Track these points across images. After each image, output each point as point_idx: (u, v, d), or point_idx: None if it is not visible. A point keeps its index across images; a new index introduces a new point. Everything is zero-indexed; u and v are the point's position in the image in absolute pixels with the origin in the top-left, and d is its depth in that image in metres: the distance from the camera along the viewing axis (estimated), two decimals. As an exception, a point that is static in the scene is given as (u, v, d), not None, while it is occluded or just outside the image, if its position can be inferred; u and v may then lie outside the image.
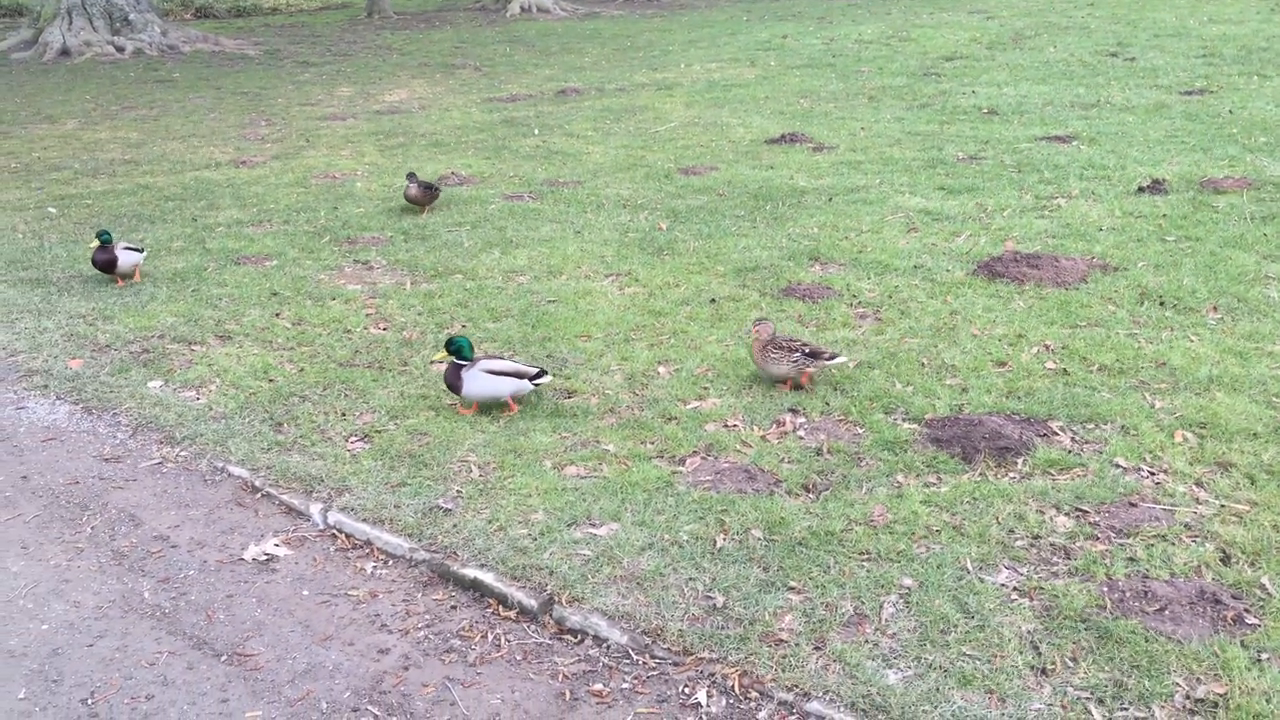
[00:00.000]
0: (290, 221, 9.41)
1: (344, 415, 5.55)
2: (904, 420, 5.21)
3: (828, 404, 5.43)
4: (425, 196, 9.37)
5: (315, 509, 4.69)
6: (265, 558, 4.43)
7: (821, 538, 4.25)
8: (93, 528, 4.70)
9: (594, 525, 4.43)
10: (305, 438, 5.32)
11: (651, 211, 9.17)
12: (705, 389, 5.67)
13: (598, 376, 5.89)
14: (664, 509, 4.52)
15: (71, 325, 7.01)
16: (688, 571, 4.10)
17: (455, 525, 4.48)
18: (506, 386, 5.40)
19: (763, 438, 5.13)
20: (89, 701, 3.61)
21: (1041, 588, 3.90)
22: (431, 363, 6.05)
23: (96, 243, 7.60)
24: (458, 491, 4.74)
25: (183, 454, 5.30)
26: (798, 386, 5.59)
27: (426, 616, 4.03)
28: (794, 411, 5.38)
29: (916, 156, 10.45)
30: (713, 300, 6.95)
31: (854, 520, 4.37)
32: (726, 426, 5.26)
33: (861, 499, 4.53)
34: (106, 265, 7.65)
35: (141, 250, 7.91)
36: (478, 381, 5.37)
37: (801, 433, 5.18)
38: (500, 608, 4.05)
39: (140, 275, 7.95)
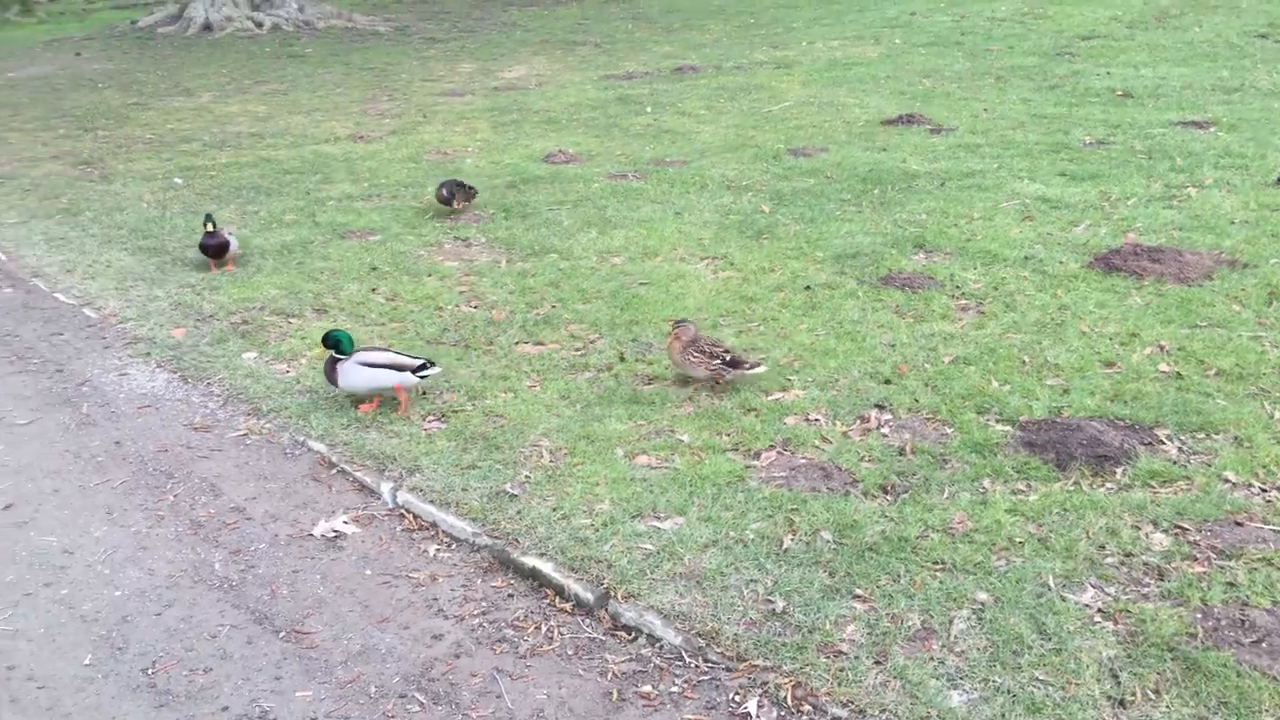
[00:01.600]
0: (398, 197, 9.52)
1: (425, 394, 5.56)
2: (997, 421, 4.95)
3: (917, 400, 5.19)
4: (463, 195, 8.74)
5: (386, 488, 4.71)
6: (333, 535, 4.46)
7: (894, 544, 4.05)
8: (175, 496, 4.80)
9: (659, 518, 4.32)
10: (385, 415, 5.35)
11: (755, 193, 8.96)
12: (790, 380, 5.49)
13: (681, 363, 5.75)
14: (733, 505, 4.38)
15: (180, 295, 7.22)
16: (750, 572, 3.96)
17: (520, 511, 4.43)
18: (383, 379, 5.30)
19: (844, 434, 4.94)
20: (149, 671, 3.68)
21: (1128, 610, 3.63)
22: (314, 355, 5.97)
23: (210, 226, 7.45)
24: (526, 476, 4.69)
25: (267, 426, 5.38)
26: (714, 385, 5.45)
27: (483, 604, 3.99)
28: (880, 407, 5.16)
29: (1040, 140, 9.96)
30: (807, 287, 6.74)
31: (931, 527, 4.16)
32: (808, 420, 5.08)
33: (942, 504, 4.31)
34: (218, 250, 7.51)
35: (235, 238, 7.79)
36: (352, 374, 5.29)
37: (886, 430, 4.96)
38: (557, 599, 3.98)
39: (233, 266, 7.80)
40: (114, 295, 7.31)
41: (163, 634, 3.88)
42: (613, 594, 3.90)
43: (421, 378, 5.32)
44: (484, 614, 3.94)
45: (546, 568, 4.06)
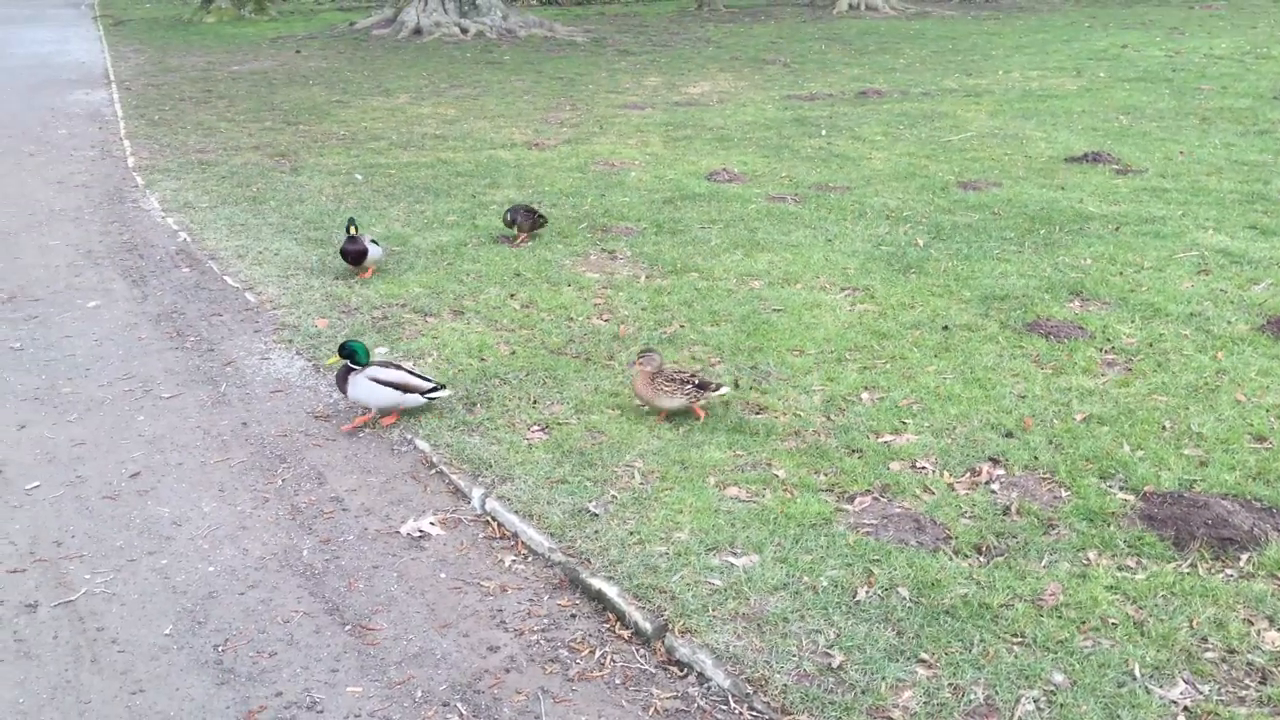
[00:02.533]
0: (557, 205, 9.68)
1: (535, 403, 5.61)
2: (1119, 489, 4.60)
3: (1036, 458, 4.89)
4: (527, 223, 8.38)
5: (476, 493, 4.77)
6: (419, 534, 4.55)
7: (974, 609, 3.82)
8: (283, 480, 5.01)
9: (734, 554, 4.21)
10: (491, 421, 5.43)
11: (913, 225, 8.68)
12: (904, 423, 5.27)
13: (795, 395, 5.62)
14: (813, 549, 4.23)
15: (333, 287, 7.55)
16: (815, 621, 3.81)
17: (598, 531, 4.41)
18: (389, 397, 5.32)
19: (949, 486, 4.69)
20: (219, 649, 3.84)
21: (1218, 714, 3.30)
22: (327, 364, 5.98)
23: (352, 230, 7.46)
24: (612, 497, 4.66)
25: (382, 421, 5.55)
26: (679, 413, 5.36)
27: (545, 620, 3.99)
28: (994, 461, 4.89)
29: (1235, 189, 9.26)
30: (945, 327, 6.46)
31: (1019, 595, 3.90)
32: (914, 467, 4.86)
33: (1037, 572, 4.03)
34: (357, 256, 7.49)
35: (379, 244, 7.73)
36: (361, 387, 5.32)
37: (995, 486, 4.69)
38: (617, 624, 3.94)
39: (372, 273, 7.70)
40: (275, 282, 7.71)
41: (240, 613, 4.04)
42: (671, 627, 3.82)
43: (429, 399, 5.39)
44: (543, 631, 3.93)
45: (611, 592, 4.02)
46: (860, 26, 24.46)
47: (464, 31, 24.00)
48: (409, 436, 5.36)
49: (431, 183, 10.65)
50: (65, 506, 4.80)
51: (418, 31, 24.12)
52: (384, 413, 5.50)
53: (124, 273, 8.16)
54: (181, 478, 5.05)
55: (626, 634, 3.88)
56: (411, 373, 5.43)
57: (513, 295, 7.29)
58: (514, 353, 6.28)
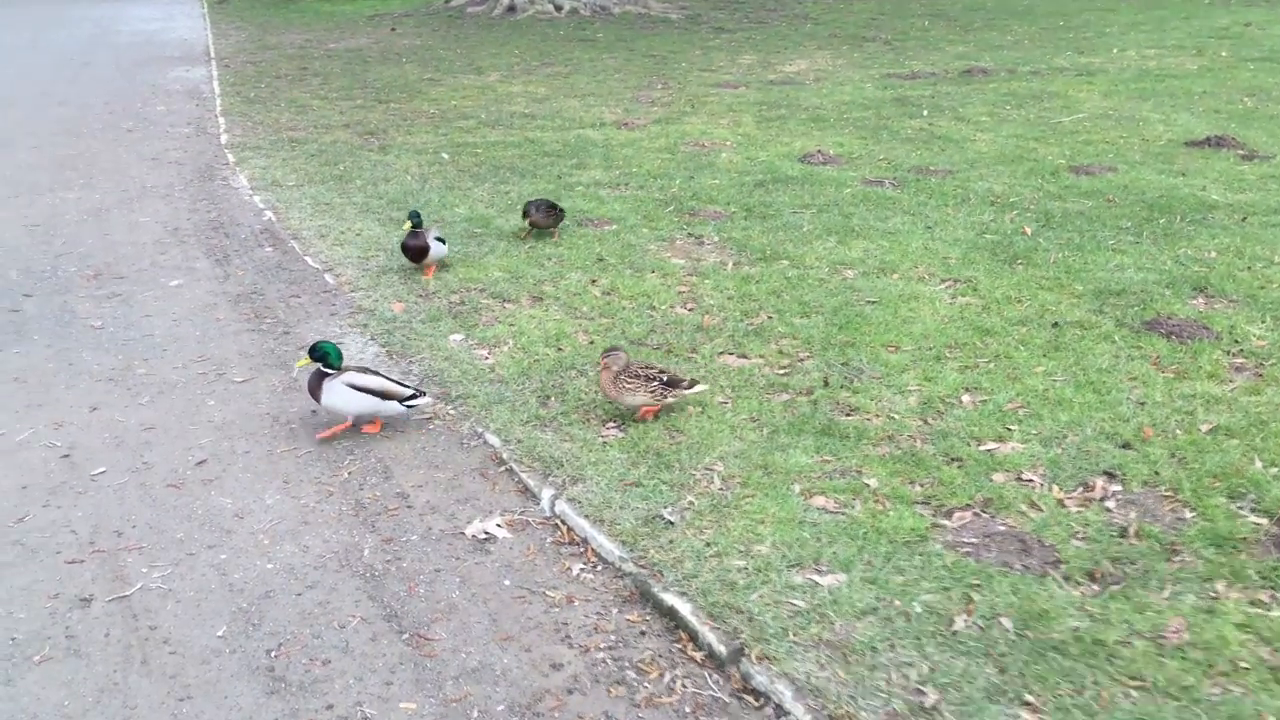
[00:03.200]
0: (644, 187, 9.39)
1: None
2: (1250, 511, 4.15)
3: (1156, 473, 4.45)
4: (546, 220, 7.84)
5: (546, 494, 4.52)
6: (484, 536, 4.32)
7: (1087, 646, 3.44)
8: (349, 474, 4.83)
9: (819, 571, 3.89)
10: (565, 415, 5.17)
11: (1021, 212, 8.17)
12: (1009, 430, 4.86)
13: (889, 396, 5.25)
14: (906, 569, 3.88)
15: (412, 269, 7.37)
16: (907, 652, 3.47)
17: (672, 541, 4.12)
18: (366, 405, 4.98)
19: (1059, 502, 4.29)
20: (272, 654, 3.66)
21: (1374, 787, 2.88)
22: (297, 366, 5.42)
23: (409, 225, 6.99)
24: (689, 503, 4.37)
25: (452, 412, 5.34)
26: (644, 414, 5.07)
27: (613, 637, 3.72)
28: (1110, 475, 4.46)
29: (1378, 176, 8.53)
30: (1055, 324, 6.00)
31: (1138, 631, 3.50)
32: (1019, 480, 4.47)
33: (1158, 605, 3.63)
34: (418, 253, 7.02)
35: (445, 242, 7.27)
36: (336, 393, 4.97)
37: (1111, 504, 4.27)
38: (690, 645, 3.65)
39: (434, 271, 7.22)
40: (354, 264, 7.57)
41: (296, 616, 3.86)
42: (747, 651, 3.52)
43: (409, 408, 5.07)
44: (610, 649, 3.66)
45: (685, 609, 3.73)
46: (966, 2, 23.59)
47: (558, 9, 23.79)
48: (479, 430, 5.13)
49: (518, 163, 10.44)
50: (129, 494, 4.68)
51: (512, 9, 23.99)
52: (362, 421, 5.15)
53: (208, 251, 8.11)
54: (247, 467, 4.90)
55: (699, 656, 3.59)
56: (390, 379, 5.10)
57: (594, 281, 7.02)
58: (592, 342, 6.01)
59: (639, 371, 4.93)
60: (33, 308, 6.99)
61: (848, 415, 5.08)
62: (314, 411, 5.35)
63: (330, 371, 5.03)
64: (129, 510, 4.56)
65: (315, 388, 5.03)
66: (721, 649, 3.54)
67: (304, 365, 5.11)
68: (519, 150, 11.02)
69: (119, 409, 5.49)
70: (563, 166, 10.23)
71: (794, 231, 7.94)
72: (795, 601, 3.72)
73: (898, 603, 3.70)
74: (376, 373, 5.11)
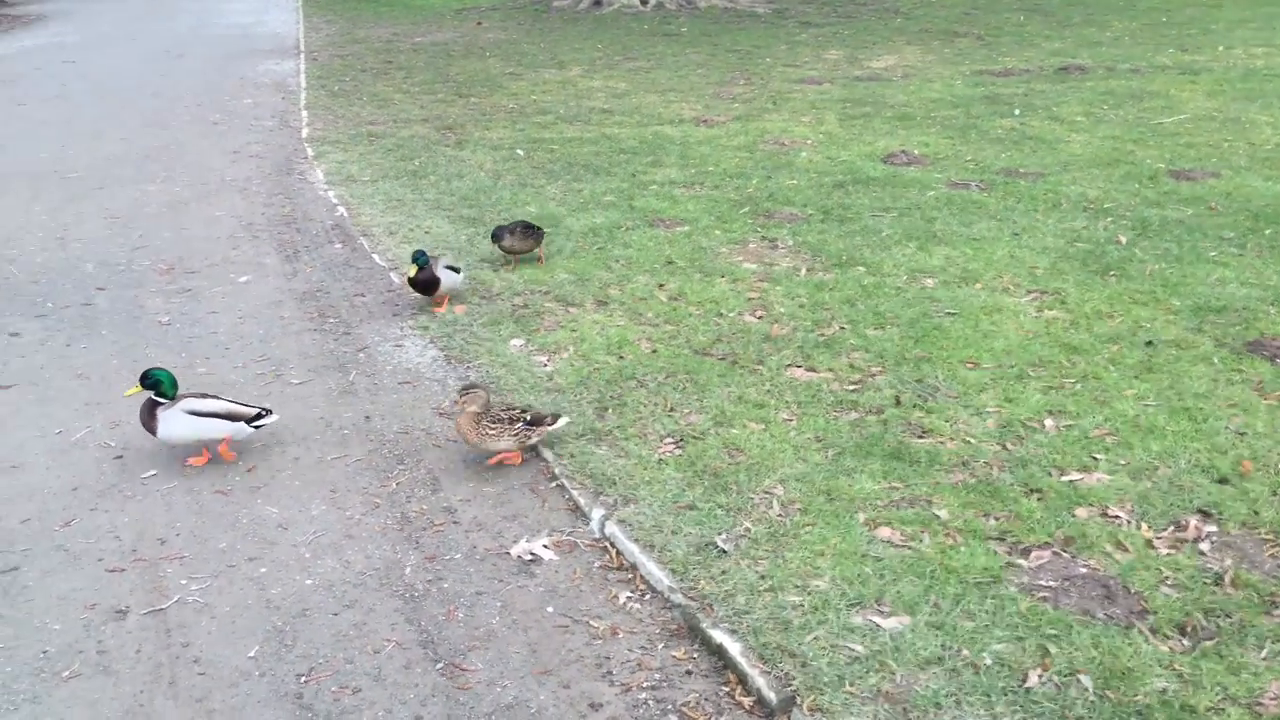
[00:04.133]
0: (719, 187, 9.14)
1: (671, 411, 5.12)
2: (1366, 562, 3.76)
3: (1256, 513, 4.08)
4: (524, 244, 7.10)
5: (597, 514, 4.32)
6: (530, 558, 4.13)
7: (1175, 711, 3.12)
8: (397, 484, 4.69)
9: (881, 612, 3.62)
10: (622, 429, 4.96)
11: (1115, 219, 7.73)
12: (1095, 459, 4.52)
13: (965, 417, 4.93)
14: (976, 613, 3.59)
15: (477, 269, 7.24)
16: (974, 709, 3.19)
17: (725, 572, 3.88)
18: (212, 429, 4.71)
19: (1148, 542, 3.95)
20: (302, 679, 3.52)
21: None
22: (126, 395, 5.08)
23: (414, 268, 6.27)
24: (745, 530, 4.13)
25: (506, 423, 5.16)
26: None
27: (656, 675, 3.50)
28: (1205, 514, 4.11)
29: None
30: (1149, 343, 5.61)
31: (1232, 696, 3.17)
32: (1105, 516, 4.13)
33: (1254, 665, 3.29)
34: (427, 286, 6.35)
35: (459, 271, 6.60)
36: (175, 423, 4.68)
37: (1205, 546, 3.92)
38: (738, 689, 3.41)
39: (450, 303, 6.60)
40: (420, 263, 7.44)
41: (331, 638, 3.72)
42: (799, 701, 3.27)
43: (256, 428, 4.82)
44: (653, 689, 3.44)
45: (734, 649, 3.50)
46: (1065, -4, 22.75)
47: (643, 3, 23.56)
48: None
49: (593, 160, 10.26)
50: (176, 500, 4.61)
51: (597, 3, 23.83)
52: (211, 446, 4.88)
53: (279, 247, 8.09)
54: (296, 474, 4.80)
55: (748, 703, 3.35)
56: (231, 400, 4.87)
57: (661, 285, 6.80)
58: (655, 351, 5.80)
59: (500, 414, 4.60)
60: (104, 301, 7.01)
61: (920, 437, 4.79)
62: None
63: (163, 401, 4.74)
64: (175, 517, 4.48)
65: (148, 419, 4.71)
66: (772, 696, 3.30)
67: (134, 394, 4.81)
68: (595, 147, 10.83)
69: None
70: (638, 164, 10.02)
71: (872, 236, 7.62)
72: (853, 646, 3.46)
73: (966, 652, 3.41)
74: (216, 396, 4.88)
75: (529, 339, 6.06)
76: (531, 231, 7.10)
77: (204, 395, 4.87)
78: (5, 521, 4.46)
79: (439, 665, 3.58)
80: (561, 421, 4.77)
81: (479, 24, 22.19)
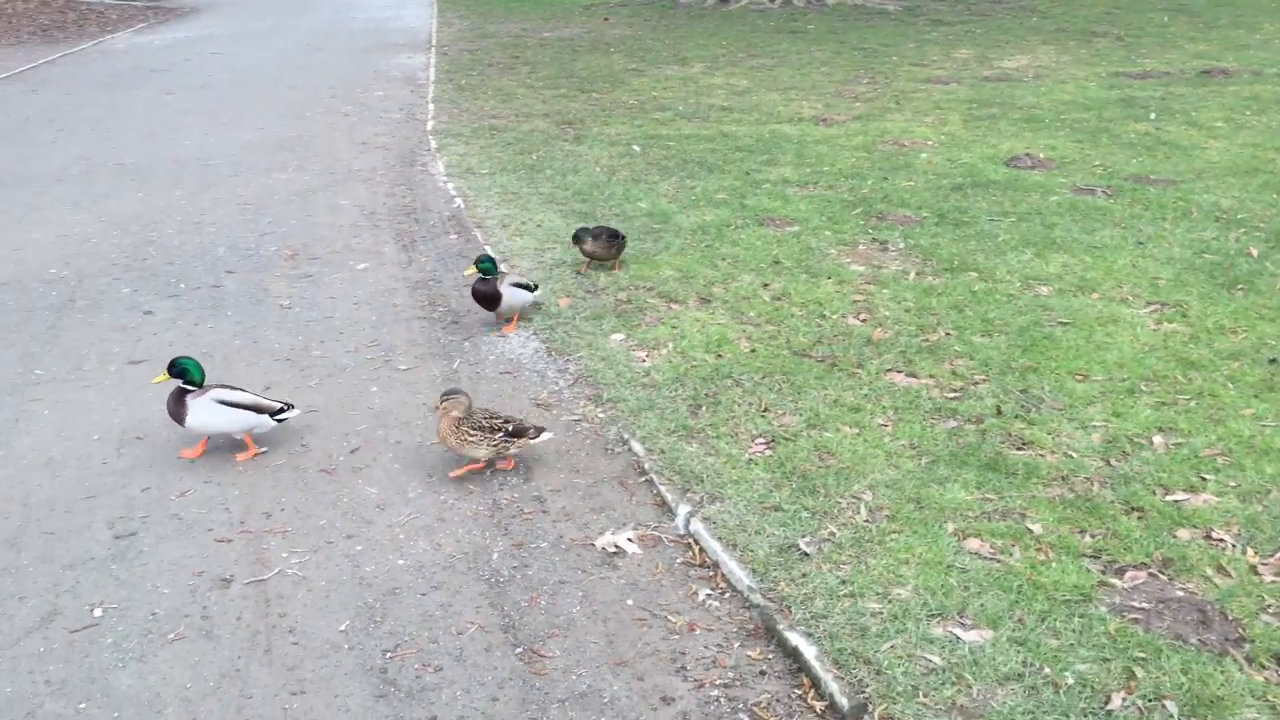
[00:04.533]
0: (834, 187, 9.05)
1: (765, 411, 5.11)
2: None
3: (1378, 545, 3.86)
4: (606, 251, 7.00)
5: (682, 511, 4.35)
6: (613, 550, 4.19)
7: (1267, 746, 2.99)
8: (491, 472, 4.80)
9: (962, 624, 3.55)
10: (714, 427, 4.98)
11: (1248, 231, 7.39)
12: (1204, 479, 4.35)
13: (1069, 430, 4.80)
14: (1062, 632, 3.50)
15: (583, 263, 7.32)
16: (1050, 729, 3.11)
17: (805, 575, 3.87)
18: (241, 421, 4.70)
19: (1252, 568, 3.79)
20: (388, 655, 3.65)
21: None
22: (154, 382, 5.15)
23: (472, 269, 6.14)
24: (830, 534, 4.10)
25: (601, 416, 5.24)
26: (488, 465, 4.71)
27: (730, 674, 3.52)
28: (1320, 543, 3.91)
29: None
30: (1272, 360, 5.37)
31: (1332, 736, 3.02)
32: (1208, 538, 3.98)
33: (1361, 706, 3.12)
34: (486, 300, 6.09)
35: (533, 288, 6.33)
36: (206, 413, 4.66)
37: (1316, 577, 3.73)
38: (811, 693, 3.40)
39: (516, 323, 6.30)
40: (530, 255, 7.60)
41: (417, 617, 3.84)
42: (871, 708, 3.24)
43: (279, 421, 4.85)
44: (726, 687, 3.46)
45: (809, 652, 3.49)
46: (1214, -6, 21.75)
47: (771, 0, 23.42)
48: (625, 437, 5.00)
49: (708, 157, 10.27)
50: (284, 477, 4.81)
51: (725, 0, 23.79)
52: (233, 437, 4.92)
53: (397, 236, 8.33)
54: (397, 457, 4.95)
55: (820, 707, 3.34)
56: (255, 394, 4.92)
57: (766, 285, 6.78)
58: (754, 350, 5.79)
59: (482, 421, 4.56)
60: (232, 284, 7.34)
61: (1019, 449, 4.67)
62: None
63: (191, 389, 4.77)
64: (281, 493, 4.68)
65: (177, 409, 4.72)
66: (844, 702, 3.28)
67: (161, 381, 4.87)
68: (711, 144, 10.84)
69: (290, 389, 5.66)
70: (752, 162, 9.99)
71: (987, 241, 7.45)
72: (931, 657, 3.41)
73: (1048, 670, 3.33)
74: (240, 388, 4.93)
75: (629, 334, 6.12)
76: (615, 240, 7.02)
77: (231, 387, 4.92)
78: (128, 489, 4.72)
79: (518, 650, 3.66)
80: (544, 436, 4.71)
81: (606, 20, 22.39)
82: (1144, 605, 3.62)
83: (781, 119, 12.01)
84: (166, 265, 7.69)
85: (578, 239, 7.04)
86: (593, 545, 4.23)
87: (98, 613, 3.88)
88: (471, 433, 4.56)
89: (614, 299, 6.66)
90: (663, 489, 4.52)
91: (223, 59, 18.14)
